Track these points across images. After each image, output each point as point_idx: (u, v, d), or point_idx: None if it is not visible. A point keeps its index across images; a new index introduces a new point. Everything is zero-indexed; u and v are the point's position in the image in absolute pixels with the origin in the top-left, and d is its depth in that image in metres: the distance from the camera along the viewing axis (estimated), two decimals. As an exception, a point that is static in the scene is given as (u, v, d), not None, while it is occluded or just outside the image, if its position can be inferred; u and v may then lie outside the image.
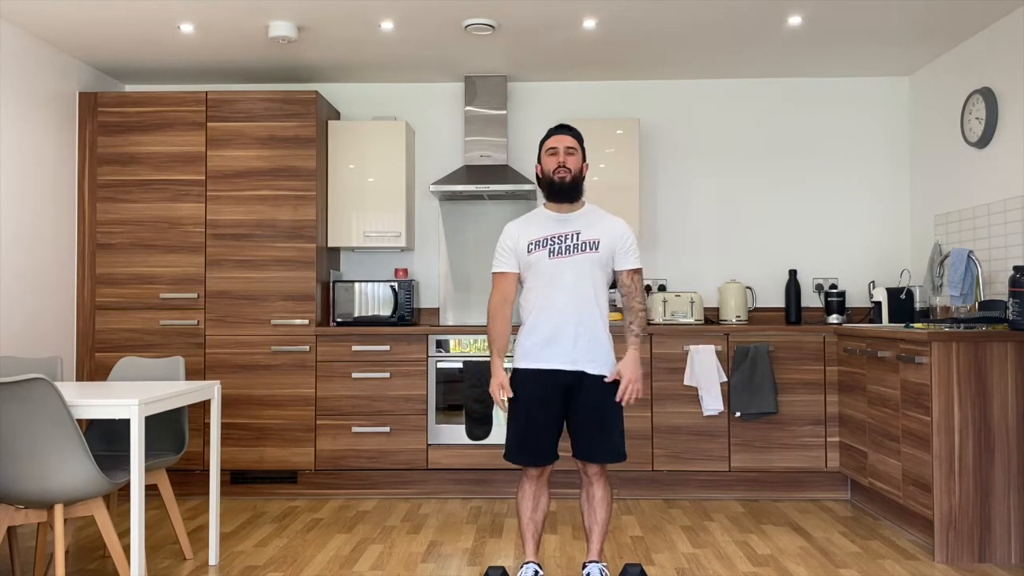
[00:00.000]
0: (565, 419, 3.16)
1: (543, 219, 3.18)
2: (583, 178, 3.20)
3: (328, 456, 4.76)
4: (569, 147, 3.15)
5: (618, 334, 3.28)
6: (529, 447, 3.11)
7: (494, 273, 3.21)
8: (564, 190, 3.13)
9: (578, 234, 3.10)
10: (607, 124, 5.05)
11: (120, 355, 4.76)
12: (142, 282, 4.86)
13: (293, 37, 4.40)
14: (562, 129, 3.21)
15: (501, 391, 3.10)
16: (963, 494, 3.58)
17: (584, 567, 3.23)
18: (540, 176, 3.21)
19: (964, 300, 4.28)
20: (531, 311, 3.12)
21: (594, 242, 3.10)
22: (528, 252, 3.10)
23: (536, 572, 3.18)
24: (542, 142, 3.23)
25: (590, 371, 3.09)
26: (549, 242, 3.10)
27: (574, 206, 3.19)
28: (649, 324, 4.90)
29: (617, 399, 3.08)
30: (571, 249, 3.09)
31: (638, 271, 3.19)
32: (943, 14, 4.21)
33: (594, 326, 3.09)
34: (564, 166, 3.12)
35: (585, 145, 3.26)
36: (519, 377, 3.14)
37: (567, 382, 3.09)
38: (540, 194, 5.24)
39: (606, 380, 3.10)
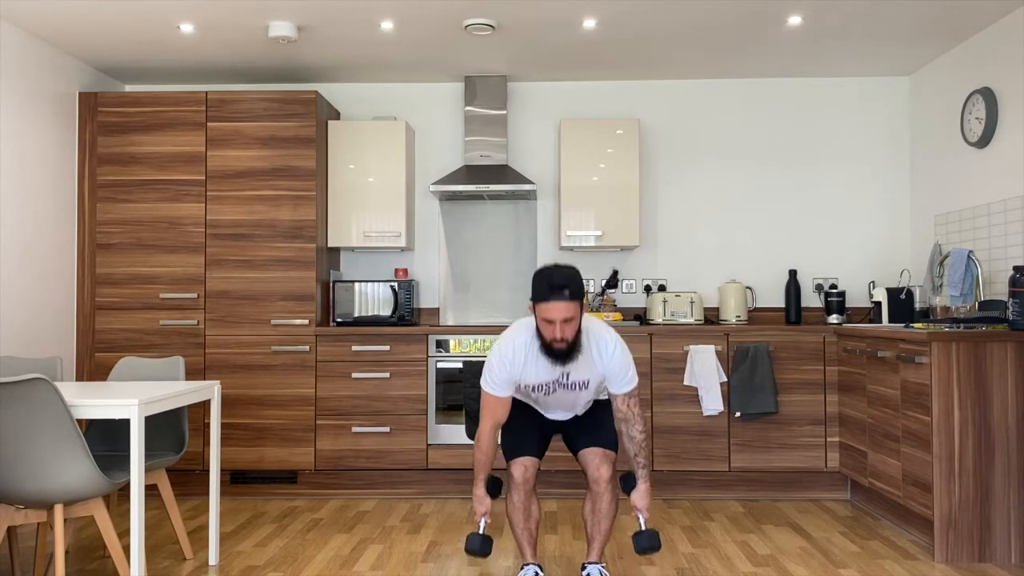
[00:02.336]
0: (559, 431, 3.33)
1: (542, 365, 3.05)
2: (582, 331, 3.02)
3: (328, 456, 4.76)
4: (567, 318, 2.90)
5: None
6: (519, 436, 3.21)
7: (487, 393, 3.08)
8: (562, 355, 3.00)
9: (568, 375, 3.08)
10: (607, 124, 5.05)
11: (120, 355, 4.76)
12: (142, 282, 4.86)
13: (293, 37, 4.40)
14: (558, 293, 2.88)
15: (483, 519, 3.14)
16: (963, 494, 3.58)
17: (583, 568, 3.24)
18: (535, 320, 3.02)
19: (964, 300, 4.28)
20: (526, 400, 3.26)
21: (584, 382, 3.10)
22: (525, 388, 3.14)
23: (536, 573, 3.20)
24: (536, 294, 2.92)
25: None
26: (546, 386, 3.11)
27: None
28: (649, 324, 4.90)
29: (643, 530, 3.12)
30: (564, 387, 3.11)
31: (632, 393, 3.11)
32: (943, 14, 4.21)
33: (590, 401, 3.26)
34: (562, 339, 2.95)
35: (583, 296, 2.98)
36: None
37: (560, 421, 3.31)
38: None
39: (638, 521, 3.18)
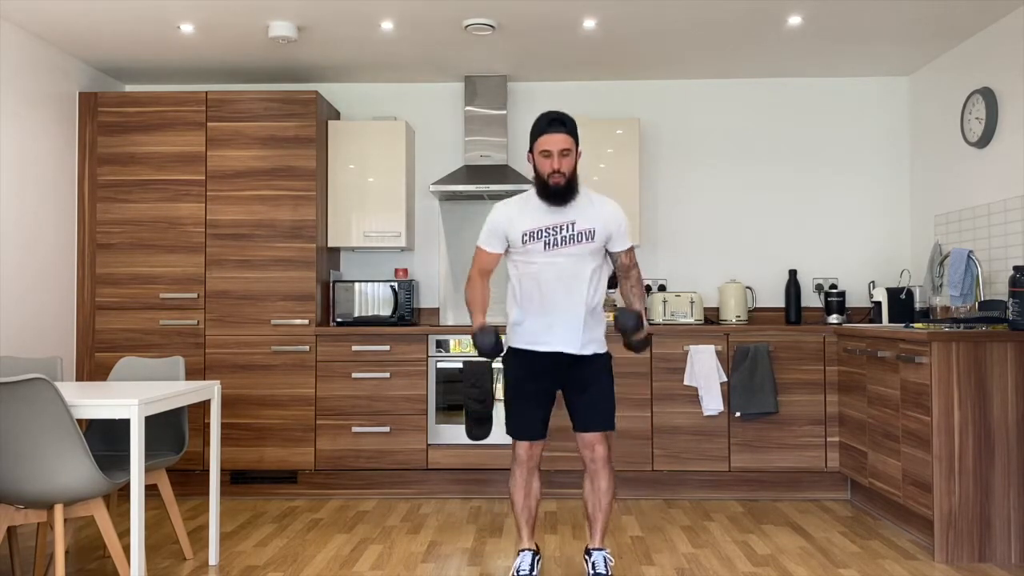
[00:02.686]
0: (561, 393, 3.26)
1: (537, 209, 3.10)
2: (577, 173, 3.12)
3: (328, 456, 4.76)
4: (563, 149, 3.01)
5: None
6: (521, 419, 3.22)
7: (478, 247, 3.21)
8: (559, 193, 3.05)
9: (573, 224, 3.08)
10: (607, 124, 5.05)
11: (120, 355, 4.76)
12: (142, 282, 4.86)
13: (293, 37, 4.40)
14: (555, 125, 3.04)
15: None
16: (963, 494, 3.58)
17: (589, 554, 3.24)
18: (533, 168, 3.12)
19: (964, 300, 4.28)
20: (527, 301, 3.16)
21: (590, 231, 3.09)
22: (522, 243, 3.10)
23: (534, 557, 3.21)
24: (534, 133, 3.08)
25: (586, 353, 3.18)
26: (544, 233, 3.08)
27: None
28: (649, 324, 4.89)
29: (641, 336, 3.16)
30: (567, 240, 3.08)
31: (631, 249, 3.24)
32: (943, 14, 4.21)
33: (593, 314, 3.18)
34: (559, 171, 3.02)
35: (579, 134, 3.11)
36: (514, 356, 3.25)
37: (561, 360, 3.18)
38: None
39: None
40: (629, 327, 3.08)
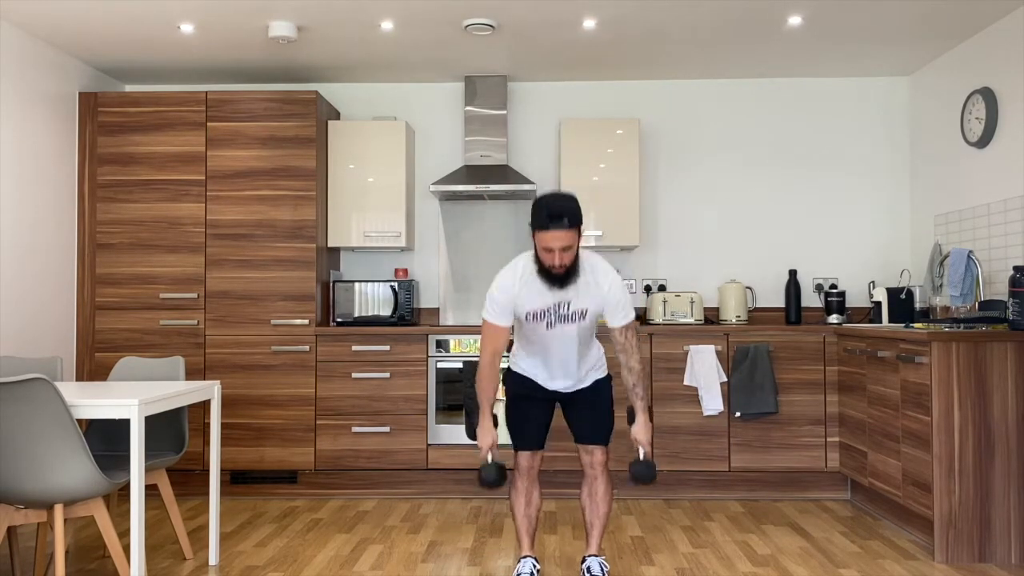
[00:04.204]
0: (561, 411, 3.32)
1: (539, 290, 3.06)
2: (579, 255, 3.05)
3: (328, 456, 4.76)
4: (565, 246, 2.93)
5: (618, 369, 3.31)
6: (521, 433, 3.26)
7: (487, 322, 3.10)
8: (560, 279, 3.03)
9: (569, 303, 3.08)
10: (607, 124, 5.05)
11: (120, 355, 4.76)
12: (142, 282, 4.86)
13: (293, 37, 4.40)
14: (557, 222, 2.89)
15: (490, 452, 3.13)
16: (963, 494, 3.58)
17: (583, 561, 3.27)
18: (534, 244, 3.03)
19: (964, 300, 4.28)
20: (529, 348, 3.22)
21: (583, 311, 3.10)
22: (526, 320, 3.13)
23: (534, 566, 3.23)
24: (534, 223, 2.94)
25: (585, 384, 3.26)
26: (546, 314, 3.09)
27: None
28: (649, 324, 4.90)
29: (641, 460, 3.14)
30: (564, 318, 3.09)
31: (630, 326, 3.13)
32: (943, 14, 4.21)
33: (590, 360, 3.24)
34: (560, 265, 2.97)
35: (582, 217, 2.98)
36: (515, 377, 3.30)
37: (561, 392, 3.28)
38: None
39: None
40: (645, 480, 3.10)
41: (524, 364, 3.26)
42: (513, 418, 3.28)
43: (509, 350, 3.34)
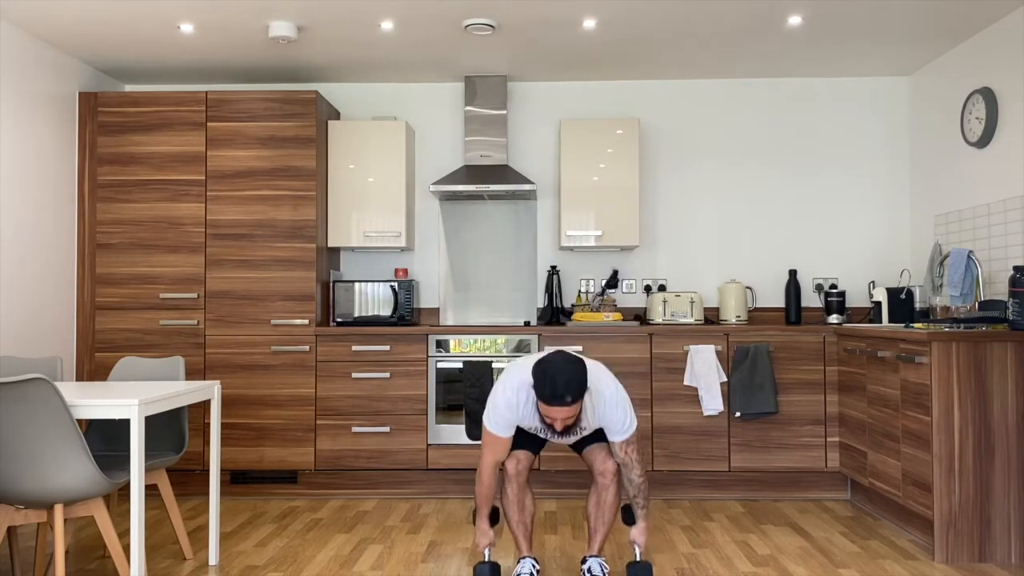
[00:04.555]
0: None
1: (539, 425, 3.11)
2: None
3: (328, 456, 4.76)
4: (567, 417, 2.94)
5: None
6: (516, 444, 3.26)
7: (488, 431, 3.11)
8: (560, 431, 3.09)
9: (567, 430, 3.08)
10: (607, 124, 5.05)
11: (120, 355, 4.76)
12: (142, 282, 4.86)
13: (293, 37, 4.40)
14: (560, 400, 2.86)
15: (488, 549, 3.25)
16: (963, 494, 3.58)
17: (584, 561, 3.27)
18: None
19: (964, 300, 4.28)
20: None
21: (582, 429, 3.15)
22: (526, 430, 3.19)
23: (534, 566, 3.23)
24: (538, 394, 2.90)
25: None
26: (544, 431, 3.12)
27: None
28: (649, 324, 4.90)
29: (638, 561, 3.23)
30: (563, 434, 3.11)
31: (631, 441, 3.14)
32: (943, 14, 4.21)
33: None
34: (563, 427, 2.98)
35: (586, 384, 2.92)
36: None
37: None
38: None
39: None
40: None
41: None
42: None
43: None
